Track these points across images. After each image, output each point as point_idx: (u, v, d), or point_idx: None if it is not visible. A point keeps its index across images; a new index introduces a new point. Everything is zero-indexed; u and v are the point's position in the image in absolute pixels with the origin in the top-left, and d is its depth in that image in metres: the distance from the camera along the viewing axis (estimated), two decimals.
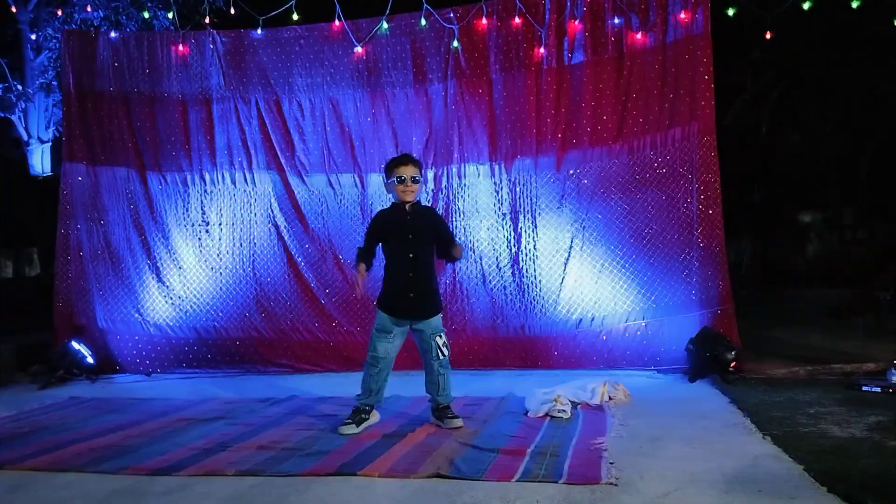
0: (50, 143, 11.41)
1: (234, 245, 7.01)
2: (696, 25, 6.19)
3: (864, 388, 5.03)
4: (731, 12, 6.41)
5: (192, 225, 7.04)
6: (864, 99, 16.83)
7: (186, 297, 6.97)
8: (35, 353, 7.12)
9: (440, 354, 4.50)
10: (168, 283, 6.99)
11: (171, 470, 3.73)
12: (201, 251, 7.02)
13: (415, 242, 4.50)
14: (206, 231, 7.03)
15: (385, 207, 4.84)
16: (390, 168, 4.57)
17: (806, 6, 6.44)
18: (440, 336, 4.52)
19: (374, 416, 4.57)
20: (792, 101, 17.77)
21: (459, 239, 6.56)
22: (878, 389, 4.98)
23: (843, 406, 4.64)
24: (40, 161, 11.40)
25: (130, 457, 4.00)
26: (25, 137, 11.30)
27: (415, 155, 6.61)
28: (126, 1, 10.36)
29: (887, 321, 7.54)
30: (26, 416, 5.24)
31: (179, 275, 7.00)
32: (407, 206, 4.55)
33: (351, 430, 4.38)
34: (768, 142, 17.98)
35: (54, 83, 10.82)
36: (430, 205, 6.67)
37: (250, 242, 7.00)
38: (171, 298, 6.98)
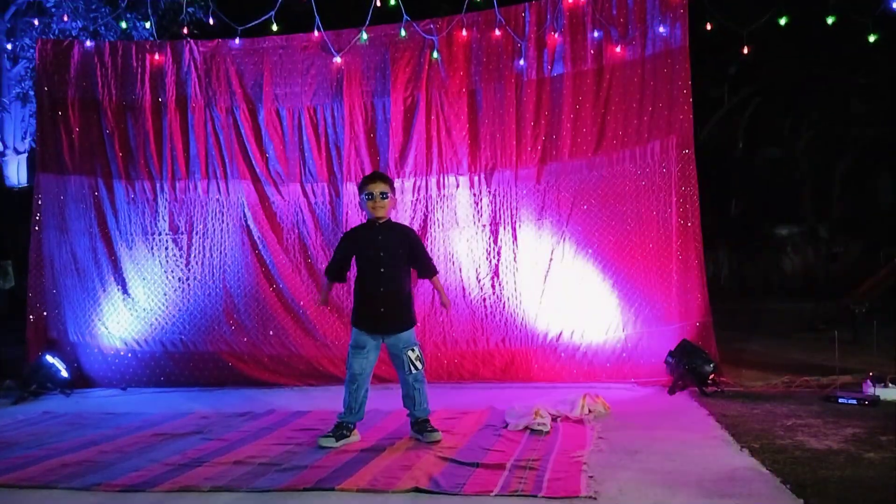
0: (26, 154, 11.28)
1: (203, 255, 6.90)
2: (674, 39, 6.24)
3: (841, 401, 5.07)
4: (708, 27, 6.48)
5: (160, 234, 6.93)
6: (837, 116, 17.10)
7: (151, 309, 6.86)
8: (8, 368, 6.99)
9: (412, 368, 4.48)
10: (133, 295, 6.87)
11: (145, 486, 3.67)
12: (167, 261, 6.90)
13: (384, 258, 4.52)
14: (174, 241, 6.93)
15: (359, 224, 4.86)
16: (361, 186, 4.63)
17: (782, 22, 6.53)
18: (412, 350, 4.50)
19: (355, 436, 4.53)
20: (768, 116, 18.01)
21: (438, 250, 6.57)
22: (854, 402, 5.02)
23: (820, 418, 4.67)
24: (16, 172, 11.26)
25: (103, 473, 3.92)
26: (1, 148, 11.16)
27: (390, 166, 6.67)
28: (104, 11, 10.28)
29: (863, 334, 7.60)
30: None
31: (144, 286, 6.88)
32: (378, 223, 4.57)
33: (329, 442, 4.35)
34: (744, 156, 18.20)
35: (31, 93, 10.70)
36: (409, 215, 6.67)
37: (221, 252, 6.90)
38: (136, 311, 6.86)
